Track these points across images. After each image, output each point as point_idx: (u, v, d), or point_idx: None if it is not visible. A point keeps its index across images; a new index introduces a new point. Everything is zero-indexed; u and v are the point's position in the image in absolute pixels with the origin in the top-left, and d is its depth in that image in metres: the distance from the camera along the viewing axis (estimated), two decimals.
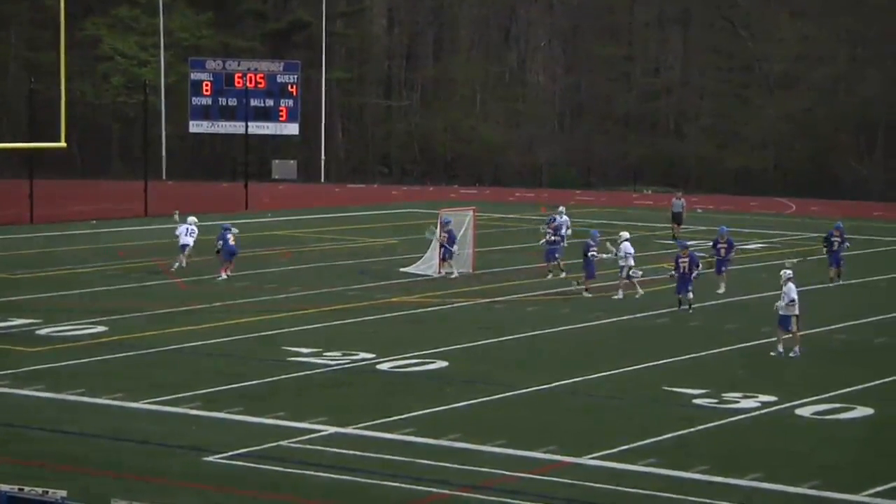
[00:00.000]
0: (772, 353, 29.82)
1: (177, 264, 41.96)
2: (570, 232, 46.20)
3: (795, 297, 29.85)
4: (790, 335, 29.81)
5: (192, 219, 42.90)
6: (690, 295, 35.71)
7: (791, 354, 29.63)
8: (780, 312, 29.82)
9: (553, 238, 42.04)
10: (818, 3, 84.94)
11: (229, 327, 32.63)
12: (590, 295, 37.74)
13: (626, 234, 39.20)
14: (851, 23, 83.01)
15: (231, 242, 40.88)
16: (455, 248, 41.42)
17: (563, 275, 40.87)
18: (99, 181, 76.59)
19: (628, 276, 37.85)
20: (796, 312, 29.76)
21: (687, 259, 35.98)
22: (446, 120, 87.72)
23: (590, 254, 38.12)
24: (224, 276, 40.26)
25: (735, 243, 41.31)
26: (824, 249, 42.13)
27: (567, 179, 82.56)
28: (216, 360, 28.88)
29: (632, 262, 37.91)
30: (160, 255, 46.18)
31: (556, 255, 41.85)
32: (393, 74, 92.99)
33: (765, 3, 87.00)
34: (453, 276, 40.92)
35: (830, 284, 40.60)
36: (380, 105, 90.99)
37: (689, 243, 39.75)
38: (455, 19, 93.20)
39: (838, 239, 41.52)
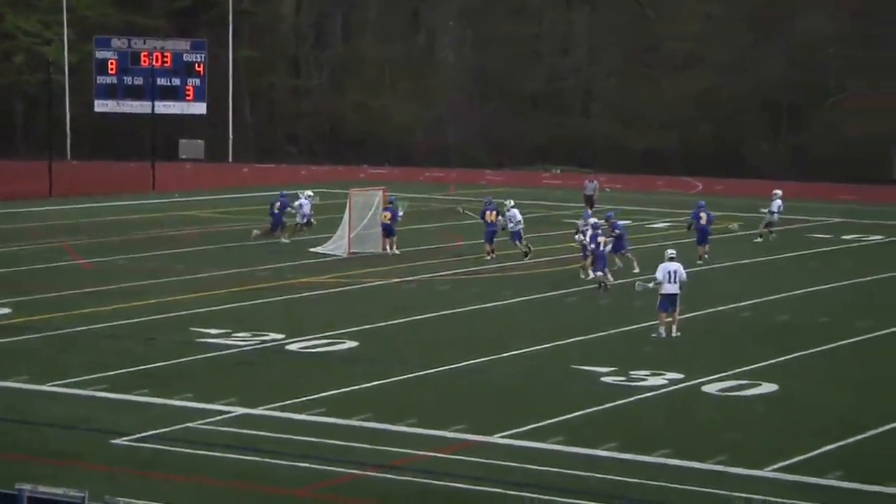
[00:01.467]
0: (653, 336, 29.84)
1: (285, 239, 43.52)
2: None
3: (685, 277, 30.03)
4: (671, 314, 29.84)
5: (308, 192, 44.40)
6: (600, 274, 35.87)
7: (674, 335, 29.72)
8: (663, 292, 29.83)
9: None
10: None
11: (136, 308, 32.30)
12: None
13: (511, 202, 41.33)
14: (755, 2, 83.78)
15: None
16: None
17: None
18: (2, 161, 75.45)
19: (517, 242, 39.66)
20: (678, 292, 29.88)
21: (603, 234, 36.45)
22: (355, 100, 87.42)
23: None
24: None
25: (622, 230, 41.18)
26: (688, 228, 42.52)
27: (476, 159, 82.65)
28: (123, 342, 28.60)
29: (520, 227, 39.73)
30: (65, 235, 45.63)
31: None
32: (301, 54, 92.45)
33: None
34: (397, 254, 41.67)
35: (699, 262, 40.80)
36: (288, 84, 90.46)
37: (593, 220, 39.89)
38: None
39: (705, 216, 41.86)
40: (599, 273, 35.96)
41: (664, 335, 29.70)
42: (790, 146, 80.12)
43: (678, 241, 42.60)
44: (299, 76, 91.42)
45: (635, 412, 23.49)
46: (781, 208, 47.04)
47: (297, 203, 45.03)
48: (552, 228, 48.66)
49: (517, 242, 40.87)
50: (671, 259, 30.23)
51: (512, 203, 41.58)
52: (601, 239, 36.26)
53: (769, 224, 46.86)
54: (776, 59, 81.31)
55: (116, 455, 20.33)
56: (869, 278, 38.99)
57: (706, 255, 41.22)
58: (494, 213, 41.54)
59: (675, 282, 29.80)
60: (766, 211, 46.63)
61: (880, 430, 22.39)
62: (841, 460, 20.61)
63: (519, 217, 40.85)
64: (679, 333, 29.72)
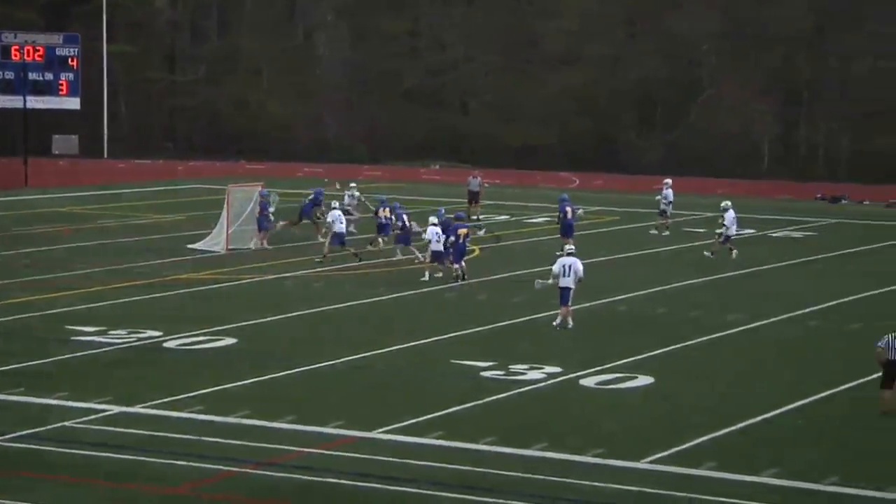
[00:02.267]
0: (553, 324, 30.31)
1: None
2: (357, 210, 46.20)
3: (581, 272, 30.41)
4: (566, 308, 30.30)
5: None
6: (458, 266, 36.27)
7: (568, 326, 30.13)
8: (559, 286, 30.24)
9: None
10: None
11: (9, 306, 31.79)
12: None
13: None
14: (631, 0, 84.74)
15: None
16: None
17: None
18: None
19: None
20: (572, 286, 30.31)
21: (465, 230, 36.74)
22: (233, 95, 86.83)
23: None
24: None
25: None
26: (559, 222, 43.17)
27: (355, 154, 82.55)
28: None
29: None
30: None
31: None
32: (177, 49, 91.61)
33: None
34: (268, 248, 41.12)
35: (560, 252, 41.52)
36: (164, 79, 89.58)
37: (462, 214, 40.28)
38: None
39: (570, 210, 42.61)
40: (457, 266, 36.32)
41: (559, 325, 30.11)
42: (665, 141, 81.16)
43: (555, 237, 43.02)
44: (175, 71, 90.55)
45: (514, 406, 23.66)
46: (670, 198, 47.72)
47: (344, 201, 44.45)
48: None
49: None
50: (569, 254, 30.59)
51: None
52: (461, 232, 36.78)
53: (663, 213, 47.61)
54: (651, 56, 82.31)
55: None
56: (740, 272, 39.65)
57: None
58: (387, 209, 41.60)
59: (569, 275, 30.13)
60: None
61: (751, 420, 22.80)
62: (715, 451, 20.96)
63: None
64: (572, 325, 30.07)
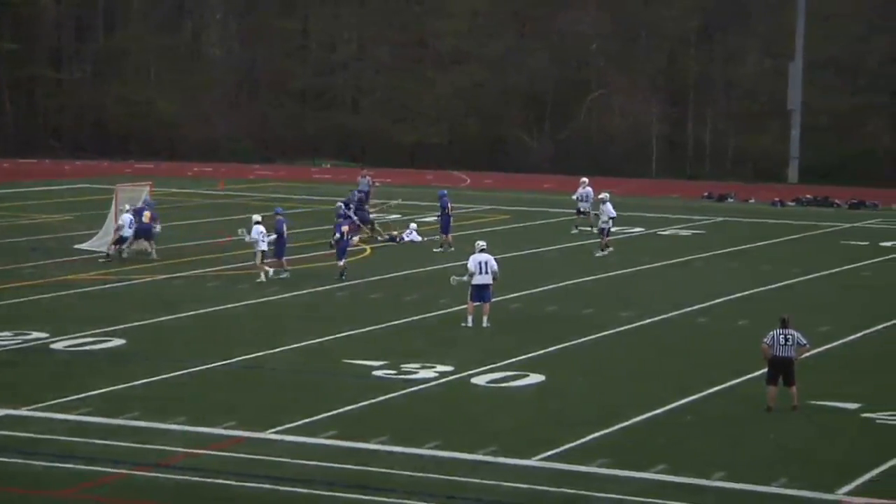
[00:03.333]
0: (462, 324, 30.34)
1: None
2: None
3: (496, 268, 30.62)
4: (481, 306, 30.37)
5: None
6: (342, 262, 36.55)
7: (484, 325, 30.19)
8: (475, 283, 30.29)
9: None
10: None
11: None
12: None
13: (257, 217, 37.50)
14: (520, 0, 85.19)
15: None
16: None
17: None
18: None
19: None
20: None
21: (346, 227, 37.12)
22: (120, 93, 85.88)
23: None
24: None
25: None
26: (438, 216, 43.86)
27: (244, 153, 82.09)
28: None
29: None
30: None
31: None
32: (63, 46, 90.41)
33: None
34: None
35: (440, 249, 42.30)
36: (49, 77, 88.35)
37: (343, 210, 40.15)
38: None
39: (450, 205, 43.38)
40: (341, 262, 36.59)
41: (472, 324, 30.06)
42: (555, 140, 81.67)
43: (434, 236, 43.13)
44: (61, 69, 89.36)
45: (406, 405, 23.67)
46: (590, 197, 48.08)
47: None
48: (322, 222, 48.63)
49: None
50: (482, 251, 30.66)
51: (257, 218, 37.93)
52: (344, 229, 37.03)
53: (580, 212, 48.11)
54: (540, 55, 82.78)
55: None
56: (630, 270, 40.02)
57: (448, 244, 42.36)
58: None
59: (486, 272, 30.20)
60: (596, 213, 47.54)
61: (641, 417, 23.03)
62: (606, 448, 21.13)
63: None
64: (490, 324, 30.10)
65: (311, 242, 42.82)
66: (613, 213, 42.56)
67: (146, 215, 40.12)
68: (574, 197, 48.86)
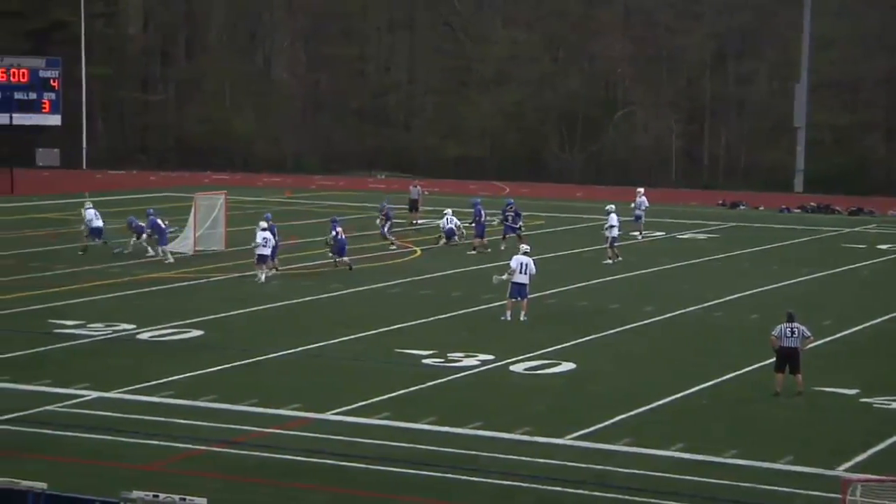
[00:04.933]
0: (501, 318, 30.29)
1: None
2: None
3: (534, 270, 30.62)
4: (519, 302, 30.31)
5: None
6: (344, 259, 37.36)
7: (522, 319, 30.12)
8: (515, 281, 30.26)
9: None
10: (527, 12, 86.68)
11: None
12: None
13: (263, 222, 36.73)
14: (554, 29, 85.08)
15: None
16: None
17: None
18: None
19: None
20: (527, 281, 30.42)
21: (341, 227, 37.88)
22: (199, 113, 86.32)
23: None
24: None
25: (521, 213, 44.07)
26: (497, 221, 43.67)
27: (309, 166, 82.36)
28: None
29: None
30: None
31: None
32: (149, 71, 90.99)
33: (480, 10, 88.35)
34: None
35: (473, 252, 41.92)
36: (137, 99, 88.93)
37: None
38: (205, 21, 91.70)
39: (511, 213, 43.36)
40: (344, 258, 37.41)
41: (510, 319, 29.99)
42: (585, 153, 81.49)
43: (489, 239, 43.05)
44: (147, 91, 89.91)
45: (452, 390, 23.66)
46: (645, 205, 47.83)
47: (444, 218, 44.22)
48: (377, 227, 48.67)
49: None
50: (524, 253, 30.69)
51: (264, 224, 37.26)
52: (339, 229, 37.68)
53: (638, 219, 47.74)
54: (573, 77, 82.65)
55: None
56: (652, 269, 39.86)
57: (484, 247, 42.30)
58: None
59: (525, 273, 30.21)
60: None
61: (662, 401, 22.93)
62: (630, 429, 21.05)
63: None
64: (527, 318, 30.03)
65: (371, 245, 42.85)
66: (616, 223, 40.72)
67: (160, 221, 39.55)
68: (632, 205, 48.62)
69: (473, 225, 43.46)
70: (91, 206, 42.07)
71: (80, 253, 39.97)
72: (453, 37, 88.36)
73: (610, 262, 40.27)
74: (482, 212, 43.14)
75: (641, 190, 48.94)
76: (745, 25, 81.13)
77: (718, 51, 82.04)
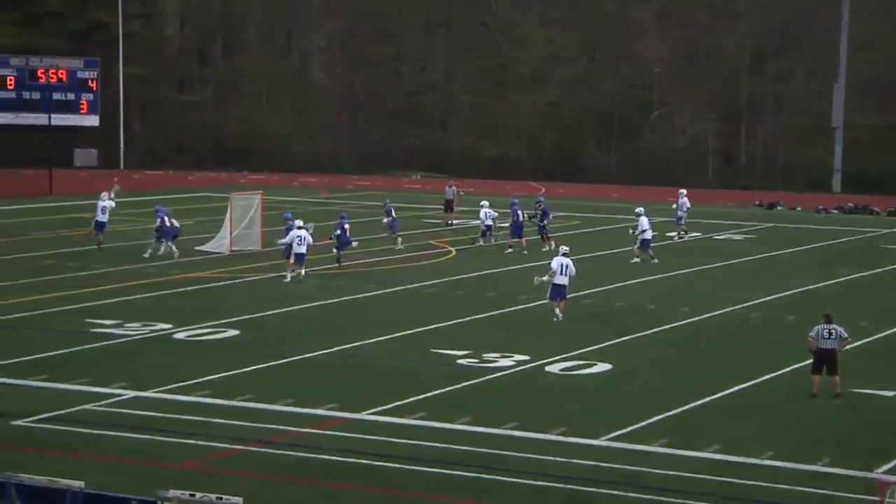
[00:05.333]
0: (554, 319, 30.23)
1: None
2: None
3: (574, 271, 30.71)
4: (557, 302, 30.32)
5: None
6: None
7: (560, 317, 30.12)
8: (555, 283, 30.25)
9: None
10: (563, 13, 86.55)
11: (35, 302, 31.64)
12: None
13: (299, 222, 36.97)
14: (591, 29, 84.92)
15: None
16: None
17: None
18: None
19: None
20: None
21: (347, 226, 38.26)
22: (236, 113, 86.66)
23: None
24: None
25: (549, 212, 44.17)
26: (526, 217, 43.41)
27: (345, 166, 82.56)
28: (23, 333, 28.02)
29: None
30: None
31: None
32: (186, 71, 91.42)
33: (517, 10, 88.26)
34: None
35: (510, 251, 42.12)
36: (174, 99, 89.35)
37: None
38: (242, 21, 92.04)
39: (540, 212, 43.45)
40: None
41: (561, 318, 30.05)
42: (622, 154, 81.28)
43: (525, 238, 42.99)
44: (184, 92, 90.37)
45: (487, 390, 23.66)
46: (687, 206, 47.82)
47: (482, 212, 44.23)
48: (412, 227, 48.78)
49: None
50: (564, 254, 30.69)
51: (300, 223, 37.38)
52: (346, 226, 37.96)
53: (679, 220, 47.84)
54: (610, 78, 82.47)
55: (15, 435, 19.93)
56: (689, 270, 39.73)
57: (521, 248, 42.30)
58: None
59: (565, 274, 30.23)
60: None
61: (696, 403, 22.86)
62: (665, 430, 20.99)
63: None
64: (563, 318, 30.02)
65: (406, 244, 42.89)
66: (646, 226, 40.53)
67: (166, 219, 40.13)
68: (674, 206, 48.64)
69: (509, 225, 43.44)
70: (108, 198, 42.37)
71: (96, 249, 40.80)
72: (490, 36, 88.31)
73: (638, 260, 40.26)
74: (519, 213, 43.11)
75: (684, 191, 48.88)
76: (783, 25, 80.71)
77: (756, 50, 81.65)
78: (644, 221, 40.63)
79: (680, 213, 47.98)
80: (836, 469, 19.04)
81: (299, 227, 36.13)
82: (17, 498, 14.26)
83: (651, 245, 40.92)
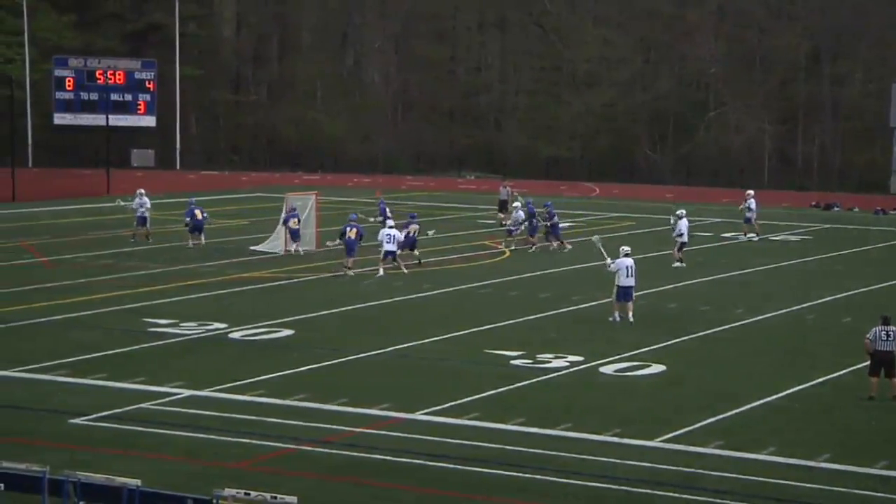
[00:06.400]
0: (609, 319, 30.20)
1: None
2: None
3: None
4: (625, 304, 30.21)
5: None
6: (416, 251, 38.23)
7: (631, 320, 30.01)
8: (621, 285, 30.16)
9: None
10: (617, 12, 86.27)
11: (93, 301, 31.97)
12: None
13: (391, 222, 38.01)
14: (646, 29, 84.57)
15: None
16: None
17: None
18: None
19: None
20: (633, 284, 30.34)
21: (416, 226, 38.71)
22: (290, 114, 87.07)
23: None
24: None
25: (554, 213, 44.02)
26: (546, 224, 43.46)
27: (400, 167, 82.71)
28: (81, 331, 28.31)
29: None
30: (26, 236, 45.08)
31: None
32: (241, 72, 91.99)
33: (571, 10, 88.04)
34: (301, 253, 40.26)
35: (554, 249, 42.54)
36: (230, 100, 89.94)
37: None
38: (297, 23, 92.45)
39: (546, 214, 43.47)
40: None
41: (619, 320, 29.97)
42: (676, 154, 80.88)
43: (578, 240, 42.91)
44: (239, 92, 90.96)
45: (541, 391, 23.62)
46: (753, 207, 47.81)
47: (515, 213, 44.44)
48: (466, 227, 48.81)
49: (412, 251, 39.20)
50: (627, 255, 30.50)
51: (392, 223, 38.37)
52: (352, 233, 37.57)
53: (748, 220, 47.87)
54: (664, 78, 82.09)
55: (74, 433, 20.14)
56: (743, 271, 39.47)
57: (562, 246, 42.71)
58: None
59: (631, 276, 30.08)
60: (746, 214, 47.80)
61: (752, 405, 22.71)
62: (720, 431, 20.88)
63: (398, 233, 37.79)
64: (633, 320, 29.93)
65: (462, 244, 42.91)
66: (683, 230, 39.84)
67: (294, 221, 41.12)
68: (741, 208, 48.54)
69: (549, 225, 43.44)
70: (143, 193, 44.67)
71: (131, 240, 43.01)
72: (544, 37, 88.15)
73: (680, 264, 39.48)
74: (554, 213, 43.35)
75: (751, 192, 48.76)
76: (840, 25, 79.98)
77: (813, 51, 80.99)
78: (683, 224, 40.17)
79: (748, 214, 47.95)
80: (894, 472, 18.84)
81: (390, 227, 37.15)
82: (76, 495, 14.42)
83: (685, 249, 40.39)
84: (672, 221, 41.10)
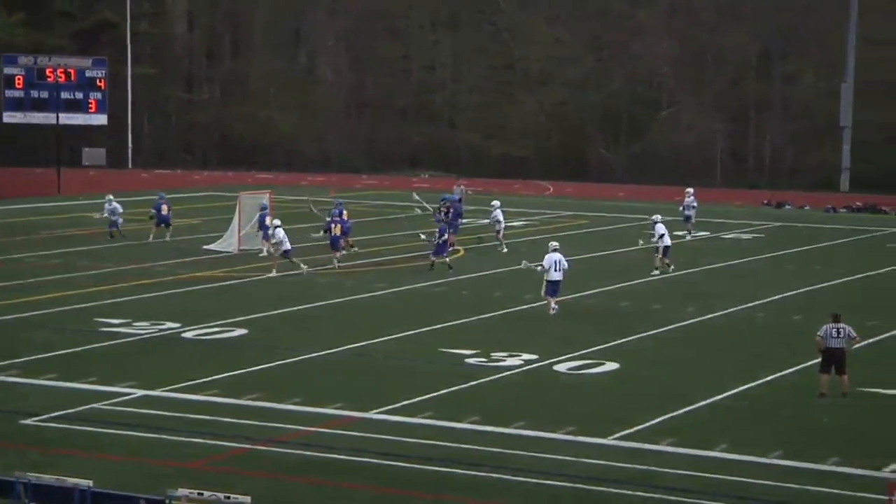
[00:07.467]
0: (550, 313, 30.48)
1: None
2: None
3: (566, 265, 30.99)
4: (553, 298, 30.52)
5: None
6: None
7: (556, 311, 30.45)
8: (550, 279, 30.43)
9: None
10: (568, 11, 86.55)
11: (44, 301, 31.70)
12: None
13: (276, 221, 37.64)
14: (597, 28, 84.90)
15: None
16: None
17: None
18: None
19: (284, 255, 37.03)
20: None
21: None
22: (243, 112, 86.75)
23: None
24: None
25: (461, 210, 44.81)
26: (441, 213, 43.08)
27: (353, 165, 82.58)
28: (31, 332, 28.05)
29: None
30: None
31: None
32: (193, 70, 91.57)
33: (524, 9, 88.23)
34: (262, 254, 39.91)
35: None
36: (182, 98, 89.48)
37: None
38: (249, 21, 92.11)
39: (445, 210, 43.16)
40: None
41: (557, 312, 30.40)
42: (629, 153, 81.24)
43: (532, 238, 42.99)
44: (192, 91, 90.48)
45: (495, 390, 23.65)
46: (693, 205, 47.90)
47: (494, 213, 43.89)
48: (421, 226, 48.73)
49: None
50: (555, 250, 30.80)
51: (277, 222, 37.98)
52: (336, 231, 38.21)
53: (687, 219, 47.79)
54: (616, 77, 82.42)
55: (25, 434, 19.96)
56: (695, 270, 39.68)
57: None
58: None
59: (559, 270, 30.43)
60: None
61: (706, 401, 22.84)
62: (673, 429, 20.98)
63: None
64: (558, 310, 30.39)
65: (415, 243, 42.92)
66: (663, 231, 38.70)
67: (164, 207, 43.76)
68: (680, 207, 48.60)
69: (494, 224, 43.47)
70: (112, 199, 45.32)
71: (110, 237, 43.59)
72: (497, 35, 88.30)
73: (657, 272, 38.21)
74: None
75: (690, 190, 48.83)
76: (789, 24, 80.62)
77: (763, 50, 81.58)
78: (661, 227, 39.66)
79: (688, 213, 47.92)
80: (845, 468, 19.01)
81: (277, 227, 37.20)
82: (26, 496, 14.29)
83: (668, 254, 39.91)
84: (650, 229, 40.06)
